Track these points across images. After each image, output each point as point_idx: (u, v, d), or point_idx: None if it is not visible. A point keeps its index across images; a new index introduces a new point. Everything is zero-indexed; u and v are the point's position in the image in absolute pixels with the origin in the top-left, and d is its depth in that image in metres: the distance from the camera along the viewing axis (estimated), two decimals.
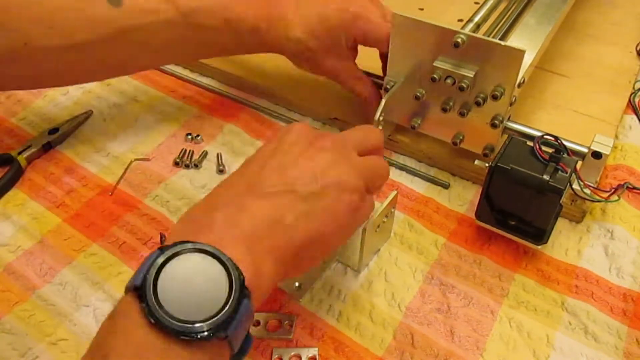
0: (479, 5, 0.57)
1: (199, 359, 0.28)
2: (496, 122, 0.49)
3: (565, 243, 0.49)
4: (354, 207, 0.36)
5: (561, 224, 0.50)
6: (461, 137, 0.51)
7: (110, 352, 0.28)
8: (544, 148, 0.45)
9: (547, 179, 0.42)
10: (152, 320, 0.27)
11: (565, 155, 0.45)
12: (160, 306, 0.28)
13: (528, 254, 0.48)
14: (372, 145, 0.41)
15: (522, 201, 0.45)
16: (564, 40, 0.68)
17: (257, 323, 0.43)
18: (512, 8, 0.60)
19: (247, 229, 0.32)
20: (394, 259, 0.48)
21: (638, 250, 0.48)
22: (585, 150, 0.47)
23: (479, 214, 0.48)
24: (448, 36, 0.46)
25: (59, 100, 0.64)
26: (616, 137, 0.58)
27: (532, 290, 0.46)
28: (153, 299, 0.28)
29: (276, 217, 0.33)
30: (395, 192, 0.45)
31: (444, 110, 0.50)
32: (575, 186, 0.47)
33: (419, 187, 0.54)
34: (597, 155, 0.46)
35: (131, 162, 0.56)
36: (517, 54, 0.44)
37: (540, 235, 0.46)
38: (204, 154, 0.57)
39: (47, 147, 0.58)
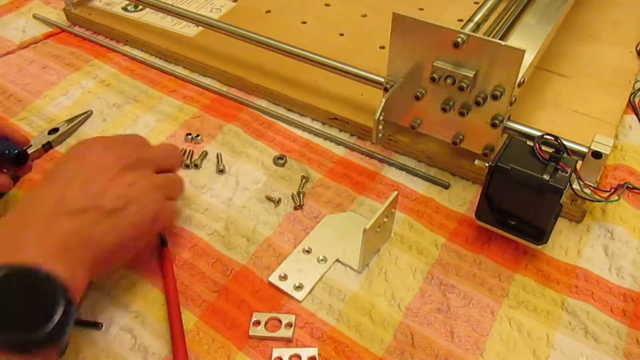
0: (478, 5, 0.57)
1: None
2: (496, 122, 0.49)
3: (565, 243, 0.49)
4: (152, 217, 0.42)
5: (561, 224, 0.50)
6: (461, 137, 0.51)
7: None
8: (544, 148, 0.45)
9: (547, 178, 0.42)
10: None
11: (565, 155, 0.45)
12: None
13: (528, 254, 0.48)
14: (170, 165, 0.47)
15: (522, 201, 0.45)
16: (564, 40, 0.68)
17: (257, 323, 0.43)
18: (512, 8, 0.60)
19: (59, 245, 0.36)
20: (394, 259, 0.48)
21: (638, 250, 0.48)
22: (585, 150, 0.47)
23: (479, 214, 0.48)
24: (448, 36, 0.46)
25: (59, 100, 0.64)
26: (616, 137, 0.58)
27: (532, 290, 0.46)
28: None
29: (84, 233, 0.38)
30: (396, 192, 0.45)
31: (444, 110, 0.50)
32: (575, 186, 0.47)
33: (419, 187, 0.54)
34: (597, 155, 0.46)
35: None
36: (517, 54, 0.44)
37: (540, 235, 0.46)
38: (204, 154, 0.57)
39: (47, 147, 0.58)
